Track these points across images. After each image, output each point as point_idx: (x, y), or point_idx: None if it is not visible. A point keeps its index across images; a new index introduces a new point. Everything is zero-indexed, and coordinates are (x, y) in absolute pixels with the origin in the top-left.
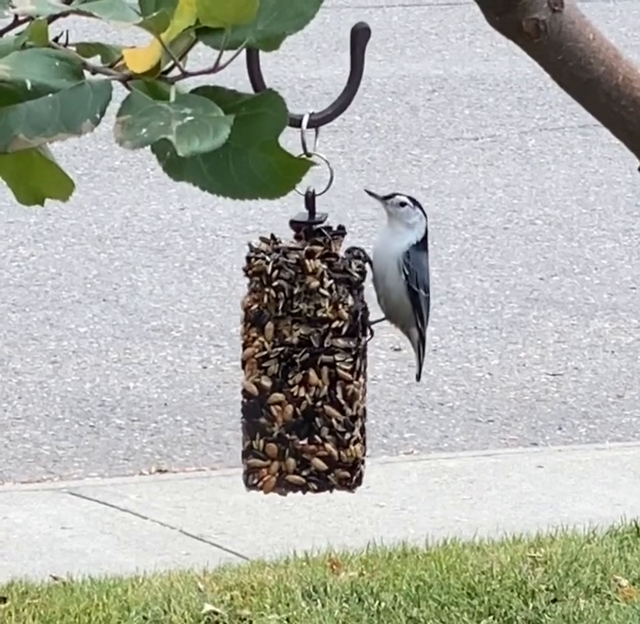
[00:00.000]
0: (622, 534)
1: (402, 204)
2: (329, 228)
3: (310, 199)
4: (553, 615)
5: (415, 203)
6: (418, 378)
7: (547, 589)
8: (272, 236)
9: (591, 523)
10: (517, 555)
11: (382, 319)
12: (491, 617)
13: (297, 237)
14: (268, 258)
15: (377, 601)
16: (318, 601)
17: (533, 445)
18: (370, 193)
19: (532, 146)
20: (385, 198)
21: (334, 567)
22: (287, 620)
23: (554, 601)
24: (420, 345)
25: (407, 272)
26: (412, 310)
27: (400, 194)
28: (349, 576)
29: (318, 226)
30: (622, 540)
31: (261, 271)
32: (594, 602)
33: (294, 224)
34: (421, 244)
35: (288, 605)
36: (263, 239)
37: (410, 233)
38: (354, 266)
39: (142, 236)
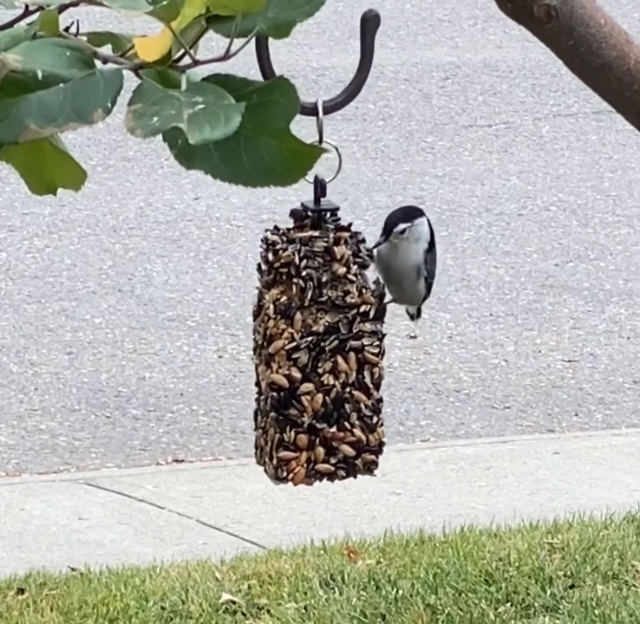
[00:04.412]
0: (639, 519)
1: (403, 231)
2: (326, 214)
3: (319, 187)
4: (571, 601)
5: (411, 215)
6: (412, 318)
7: (565, 575)
8: (276, 227)
9: (607, 509)
10: (534, 542)
11: (390, 301)
12: (508, 604)
13: (300, 227)
14: (290, 248)
15: (395, 589)
16: (336, 589)
17: (550, 432)
18: (373, 248)
19: (546, 133)
20: (387, 238)
21: (351, 555)
22: (305, 608)
23: (572, 587)
24: (419, 307)
25: (426, 275)
26: (424, 297)
27: (395, 221)
28: (366, 564)
29: (324, 213)
30: (639, 525)
31: (289, 262)
32: (611, 588)
33: (299, 212)
34: (432, 240)
35: (305, 593)
36: (272, 231)
37: (421, 243)
38: (363, 250)
39: (157, 226)
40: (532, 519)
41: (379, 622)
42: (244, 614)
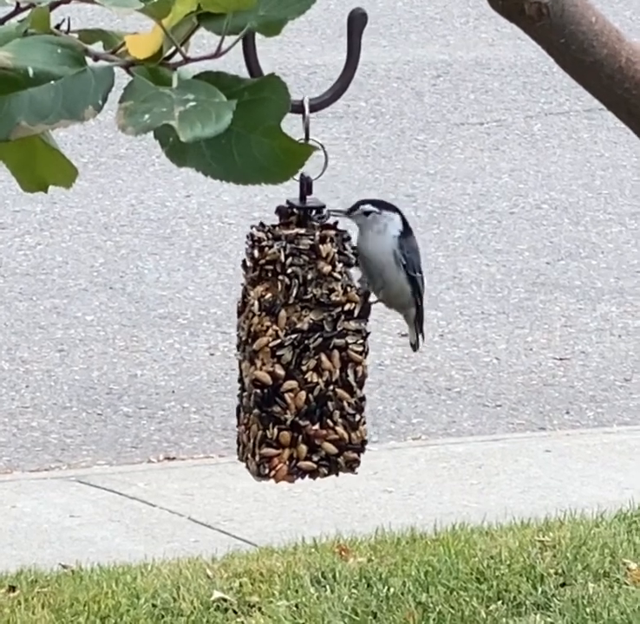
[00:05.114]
0: (630, 517)
1: (367, 214)
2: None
3: (305, 184)
4: (562, 599)
5: (382, 206)
6: (414, 348)
7: (556, 573)
8: (262, 223)
9: (599, 507)
10: (525, 540)
11: (377, 301)
12: (500, 601)
13: (286, 224)
14: (276, 245)
15: (386, 587)
16: (327, 587)
17: (541, 430)
18: (333, 212)
19: (538, 131)
20: (349, 212)
21: (342, 553)
22: (296, 606)
23: (563, 585)
24: (417, 321)
25: (404, 262)
26: (411, 294)
27: (364, 202)
28: (357, 562)
29: (309, 211)
30: (630, 523)
31: (274, 259)
32: (603, 586)
33: (285, 209)
34: (406, 231)
35: (297, 591)
36: (258, 228)
37: (388, 231)
38: (348, 248)
39: (148, 223)
40: (524, 517)
41: (370, 620)
42: (235, 612)
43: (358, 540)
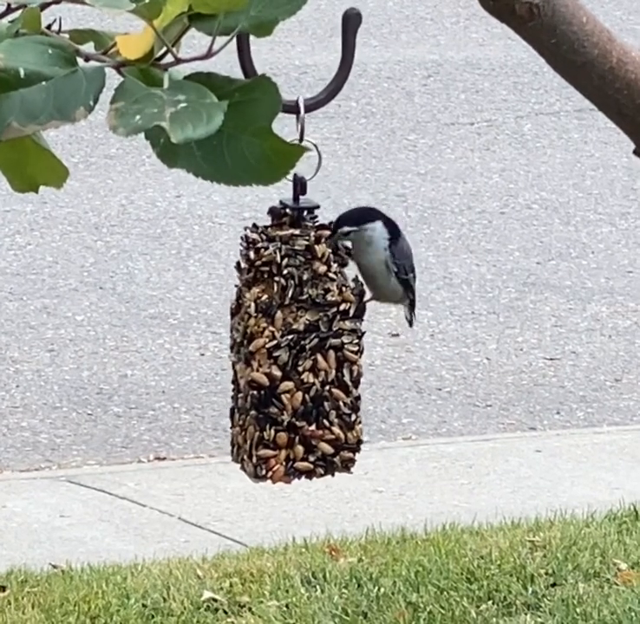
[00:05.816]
0: (620, 518)
1: (347, 234)
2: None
3: (298, 185)
4: (552, 599)
5: (359, 221)
6: (411, 324)
7: (546, 573)
8: (255, 225)
9: (589, 507)
10: (516, 540)
11: (371, 299)
12: (490, 601)
13: (279, 225)
14: (271, 247)
15: (376, 587)
16: (317, 587)
17: (531, 430)
18: (327, 242)
19: (528, 131)
20: (334, 238)
21: (333, 553)
22: (286, 606)
23: (553, 585)
24: (410, 307)
25: (396, 269)
26: (404, 293)
27: (339, 224)
28: (348, 562)
29: (303, 211)
30: (620, 524)
31: (270, 261)
32: (593, 586)
33: (277, 209)
34: (394, 236)
35: (287, 591)
36: (252, 229)
37: (375, 242)
38: (341, 248)
39: (139, 223)
40: (514, 517)
41: (361, 620)
42: (225, 612)
43: (348, 540)
